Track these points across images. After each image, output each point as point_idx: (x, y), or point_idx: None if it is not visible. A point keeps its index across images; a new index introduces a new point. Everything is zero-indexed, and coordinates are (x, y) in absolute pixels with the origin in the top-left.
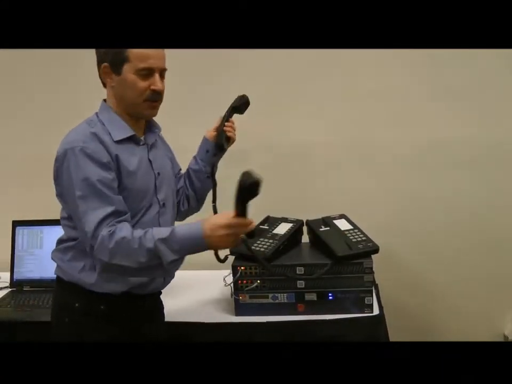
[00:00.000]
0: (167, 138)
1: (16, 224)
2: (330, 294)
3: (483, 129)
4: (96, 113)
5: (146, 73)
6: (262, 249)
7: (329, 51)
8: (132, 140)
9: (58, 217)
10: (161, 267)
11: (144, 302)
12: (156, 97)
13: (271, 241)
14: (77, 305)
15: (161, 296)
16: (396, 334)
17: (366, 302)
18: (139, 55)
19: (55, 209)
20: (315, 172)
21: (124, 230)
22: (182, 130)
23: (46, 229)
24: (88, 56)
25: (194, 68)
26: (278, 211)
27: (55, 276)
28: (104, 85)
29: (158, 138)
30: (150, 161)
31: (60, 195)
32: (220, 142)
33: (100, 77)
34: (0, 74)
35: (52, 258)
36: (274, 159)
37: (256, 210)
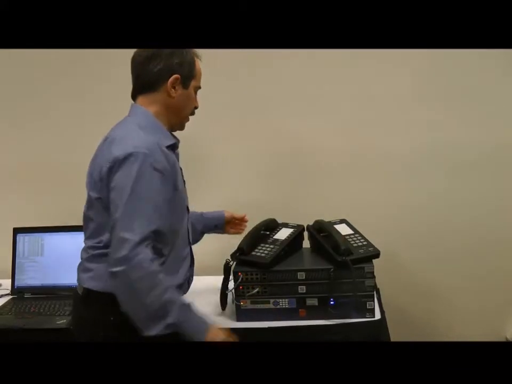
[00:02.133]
0: None
1: (16, 231)
2: (331, 299)
3: (484, 133)
4: (135, 118)
5: (197, 91)
6: (263, 254)
7: (331, 56)
8: (170, 147)
9: (59, 224)
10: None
11: None
12: (194, 114)
13: (271, 246)
14: (112, 318)
15: None
16: (397, 339)
17: (367, 307)
18: (200, 74)
19: (56, 216)
20: (315, 177)
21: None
22: None
23: (47, 236)
24: (92, 63)
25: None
26: (278, 216)
27: (82, 288)
28: (149, 90)
29: None
30: (181, 169)
31: (103, 198)
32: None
33: (153, 86)
34: None
35: (83, 270)
36: (275, 164)
37: (257, 215)
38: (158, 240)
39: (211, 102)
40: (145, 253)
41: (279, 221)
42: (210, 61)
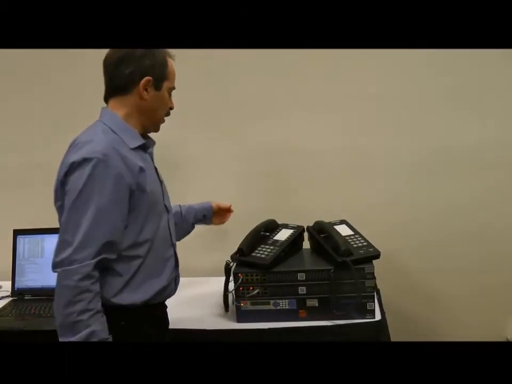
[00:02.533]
0: None
1: (17, 233)
2: (331, 300)
3: (485, 136)
4: (102, 121)
5: (171, 92)
6: (263, 255)
7: (331, 57)
8: (140, 148)
9: (59, 226)
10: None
11: (162, 309)
12: (169, 114)
13: (271, 247)
14: (122, 323)
15: (166, 303)
16: (397, 339)
17: (367, 308)
18: (173, 74)
19: (56, 218)
20: (316, 178)
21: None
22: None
23: (47, 238)
24: (90, 63)
25: (193, 69)
26: (278, 217)
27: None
28: (121, 93)
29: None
30: (155, 168)
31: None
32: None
33: (125, 88)
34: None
35: None
36: (275, 165)
37: (257, 216)
38: (108, 246)
39: (211, 103)
40: (83, 263)
41: (279, 222)
42: (209, 62)
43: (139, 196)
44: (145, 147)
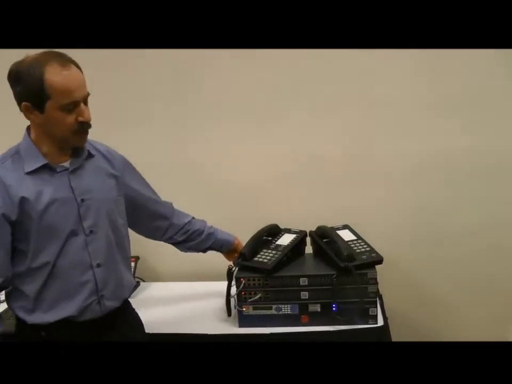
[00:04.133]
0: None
1: None
2: (334, 305)
3: (487, 139)
4: (19, 143)
5: (72, 107)
6: (265, 260)
7: (333, 57)
8: (46, 168)
9: None
10: None
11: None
12: (85, 127)
13: (274, 252)
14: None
15: (168, 307)
16: None
17: (370, 313)
18: (61, 91)
19: None
20: (318, 182)
21: None
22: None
23: None
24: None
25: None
26: (281, 222)
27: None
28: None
29: (94, 159)
30: (72, 188)
31: None
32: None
33: (20, 109)
34: None
35: None
36: (278, 170)
37: (260, 221)
38: None
39: (212, 106)
40: None
41: (282, 227)
42: (216, 64)
43: (26, 223)
44: (50, 168)
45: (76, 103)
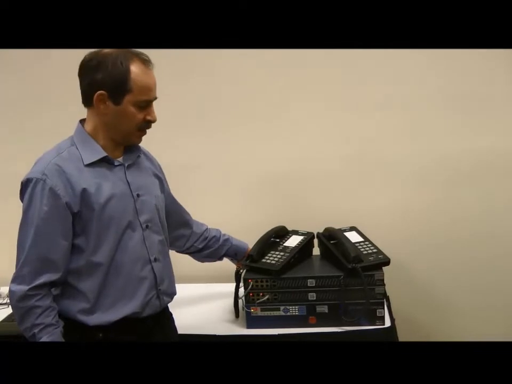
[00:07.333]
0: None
1: None
2: (341, 306)
3: (492, 143)
4: (72, 136)
5: (144, 105)
6: (273, 261)
7: (333, 58)
8: (104, 161)
9: None
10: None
11: (144, 323)
12: (149, 127)
13: (282, 253)
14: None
15: (176, 308)
16: None
17: (377, 314)
18: (142, 87)
19: None
20: (326, 184)
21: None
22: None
23: None
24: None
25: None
26: (288, 224)
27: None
28: (86, 105)
29: (141, 158)
30: (128, 183)
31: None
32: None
33: (86, 101)
34: None
35: None
36: (285, 171)
37: (268, 223)
38: (48, 265)
39: (218, 110)
40: (21, 284)
41: (289, 228)
42: (210, 66)
43: (88, 215)
44: (106, 161)
45: (149, 102)
